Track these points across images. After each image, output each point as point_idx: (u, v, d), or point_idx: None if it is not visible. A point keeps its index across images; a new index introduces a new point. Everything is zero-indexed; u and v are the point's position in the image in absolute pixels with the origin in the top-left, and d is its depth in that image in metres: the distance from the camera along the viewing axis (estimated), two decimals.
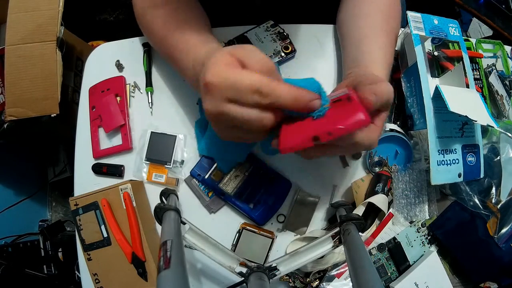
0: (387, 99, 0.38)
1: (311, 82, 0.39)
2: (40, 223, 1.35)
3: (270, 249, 0.57)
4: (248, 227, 0.57)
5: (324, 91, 0.38)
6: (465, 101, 0.53)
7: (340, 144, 0.38)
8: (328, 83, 0.63)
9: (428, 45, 0.58)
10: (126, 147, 0.60)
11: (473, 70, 0.62)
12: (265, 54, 0.57)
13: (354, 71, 0.51)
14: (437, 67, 0.57)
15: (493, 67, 0.66)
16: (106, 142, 0.61)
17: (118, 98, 0.61)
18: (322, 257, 0.53)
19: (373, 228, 0.57)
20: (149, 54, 0.63)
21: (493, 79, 0.65)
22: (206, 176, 0.57)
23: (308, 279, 0.56)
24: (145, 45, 0.63)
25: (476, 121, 0.50)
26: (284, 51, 0.61)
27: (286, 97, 0.33)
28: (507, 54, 0.69)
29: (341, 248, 0.49)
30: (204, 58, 0.41)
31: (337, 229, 0.48)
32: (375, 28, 0.53)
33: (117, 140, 0.61)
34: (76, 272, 1.10)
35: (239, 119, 0.34)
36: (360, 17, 0.55)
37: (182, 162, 0.59)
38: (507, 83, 0.67)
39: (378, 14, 0.54)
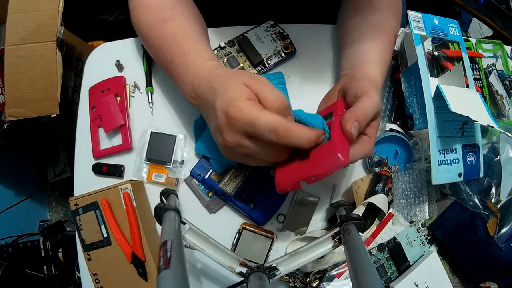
0: (371, 114, 0.40)
1: (316, 117, 0.43)
2: (40, 223, 1.35)
3: (270, 249, 0.57)
4: (248, 227, 0.57)
5: (326, 125, 0.41)
6: (466, 101, 0.53)
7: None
8: (328, 84, 0.63)
9: (428, 45, 0.58)
10: (126, 147, 0.60)
11: (473, 70, 0.62)
12: (266, 54, 0.57)
13: (347, 73, 0.52)
14: (437, 67, 0.57)
15: (493, 67, 0.66)
16: (106, 142, 0.61)
17: (118, 98, 0.61)
18: (322, 257, 0.53)
19: (373, 228, 0.57)
20: (149, 54, 0.63)
21: (493, 79, 0.65)
22: (206, 176, 0.57)
23: (308, 279, 0.56)
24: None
25: (476, 121, 0.50)
26: (284, 51, 0.61)
27: (303, 139, 0.36)
28: (507, 54, 0.69)
29: (341, 248, 0.49)
30: (207, 77, 0.43)
31: (337, 229, 0.48)
32: (374, 28, 0.53)
33: (117, 140, 0.61)
34: (76, 272, 1.10)
35: (256, 152, 0.38)
36: (359, 17, 0.55)
37: (182, 162, 0.59)
38: (507, 83, 0.67)
39: (378, 14, 0.54)
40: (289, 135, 0.35)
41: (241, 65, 0.61)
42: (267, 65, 0.60)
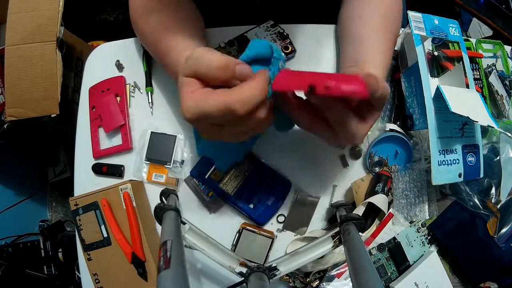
0: (381, 93, 0.37)
1: (260, 44, 0.40)
2: (40, 223, 1.35)
3: (270, 249, 0.57)
4: (248, 227, 0.57)
5: (276, 47, 0.39)
6: (466, 101, 0.53)
7: (330, 114, 0.37)
8: None
9: (428, 45, 0.58)
10: (126, 147, 0.60)
11: (473, 70, 0.62)
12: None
13: (350, 70, 0.51)
14: (437, 67, 0.57)
15: (493, 67, 0.66)
16: (106, 142, 0.61)
17: (118, 98, 0.61)
18: (322, 257, 0.53)
19: (373, 228, 0.57)
20: (149, 54, 0.63)
21: (493, 79, 0.65)
22: (206, 176, 0.57)
23: (308, 279, 0.56)
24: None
25: (476, 121, 0.50)
26: (284, 51, 0.61)
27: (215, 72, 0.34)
28: (507, 54, 0.69)
29: (341, 248, 0.49)
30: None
31: (337, 229, 0.48)
32: (375, 29, 0.53)
33: (117, 140, 0.61)
34: (76, 272, 1.10)
35: (230, 128, 0.36)
36: (360, 17, 0.55)
37: (182, 162, 0.59)
38: (507, 83, 0.67)
39: (378, 14, 0.54)
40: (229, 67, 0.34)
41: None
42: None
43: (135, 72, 0.63)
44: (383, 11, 0.54)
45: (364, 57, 0.51)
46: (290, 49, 0.61)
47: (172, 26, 0.51)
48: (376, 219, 0.57)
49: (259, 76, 0.35)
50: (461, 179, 0.55)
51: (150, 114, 0.62)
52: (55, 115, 0.92)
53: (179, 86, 0.37)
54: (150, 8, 0.52)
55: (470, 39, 0.66)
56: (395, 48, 0.62)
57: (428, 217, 0.60)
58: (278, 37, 0.62)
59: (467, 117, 0.49)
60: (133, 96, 0.62)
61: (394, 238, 0.60)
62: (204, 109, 0.33)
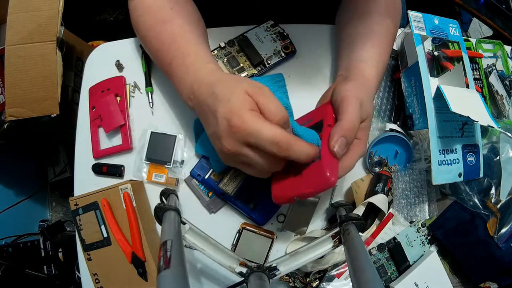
0: (356, 124, 0.40)
1: (311, 133, 0.43)
2: (40, 223, 1.34)
3: (270, 249, 0.57)
4: (248, 227, 0.57)
5: (320, 141, 0.43)
6: (466, 101, 0.53)
7: None
8: (328, 84, 0.63)
9: (428, 45, 0.58)
10: (126, 147, 0.60)
11: (473, 70, 0.62)
12: (266, 54, 0.57)
13: (341, 74, 0.52)
14: (437, 67, 0.57)
15: (493, 67, 0.66)
16: (106, 142, 0.61)
17: (118, 98, 0.61)
18: (322, 257, 0.53)
19: (373, 228, 0.57)
20: (147, 54, 0.63)
21: (493, 79, 0.65)
22: (206, 176, 0.57)
23: (308, 279, 0.56)
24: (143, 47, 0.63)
25: (477, 121, 0.50)
26: (284, 51, 0.61)
27: (302, 155, 0.37)
28: (507, 54, 0.69)
29: (341, 248, 0.49)
30: (207, 81, 0.42)
31: (337, 229, 0.48)
32: (371, 28, 0.53)
33: (117, 140, 0.61)
34: (76, 272, 1.10)
35: (255, 162, 0.39)
36: (357, 17, 0.55)
37: (182, 162, 0.59)
38: (507, 83, 0.67)
39: (376, 13, 0.54)
40: (290, 149, 0.36)
41: (241, 65, 0.61)
42: (267, 65, 0.60)
43: (135, 72, 0.63)
44: (380, 10, 0.54)
45: (358, 56, 0.51)
46: (290, 49, 0.61)
47: (184, 33, 0.50)
48: (376, 219, 0.57)
49: (316, 150, 0.39)
50: (461, 179, 0.55)
51: (150, 114, 0.62)
52: (55, 115, 0.92)
53: (232, 96, 0.37)
54: (161, 19, 0.51)
55: (470, 39, 0.66)
56: (395, 48, 0.62)
57: (428, 217, 0.60)
58: (278, 37, 0.62)
59: (467, 117, 0.49)
60: (133, 96, 0.62)
61: (394, 238, 0.60)
62: (260, 129, 0.36)
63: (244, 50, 0.61)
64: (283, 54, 0.61)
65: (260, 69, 0.60)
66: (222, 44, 0.62)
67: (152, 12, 0.52)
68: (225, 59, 0.61)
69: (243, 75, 0.60)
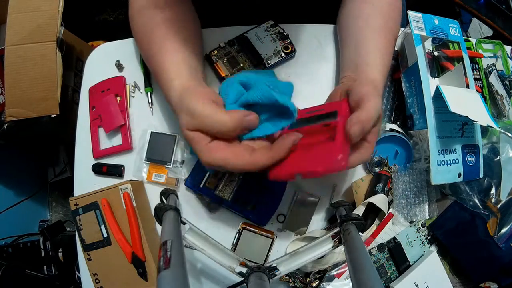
0: (375, 119, 0.41)
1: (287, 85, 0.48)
2: (40, 224, 1.35)
3: (270, 249, 0.57)
4: (248, 227, 0.57)
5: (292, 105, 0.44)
6: (466, 101, 0.53)
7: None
8: (328, 83, 0.63)
9: (428, 45, 0.58)
10: (126, 147, 0.60)
11: (473, 70, 0.62)
12: (266, 54, 0.57)
13: (349, 76, 0.52)
14: (437, 67, 0.57)
15: (493, 67, 0.66)
16: (106, 142, 0.61)
17: (118, 98, 0.61)
18: (322, 257, 0.53)
19: (373, 228, 0.57)
20: None
21: (493, 79, 0.65)
22: (201, 185, 0.56)
23: (308, 279, 0.56)
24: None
25: (476, 121, 0.50)
26: (284, 51, 0.61)
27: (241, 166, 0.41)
28: (507, 54, 0.69)
29: (341, 248, 0.49)
30: (172, 101, 0.47)
31: (337, 229, 0.48)
32: (374, 30, 0.53)
33: (117, 140, 0.61)
34: (76, 272, 1.10)
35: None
36: (359, 18, 0.55)
37: (182, 162, 0.59)
38: (507, 83, 0.67)
39: (378, 15, 0.54)
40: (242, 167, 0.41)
41: (241, 64, 0.61)
42: (267, 65, 0.60)
43: (135, 72, 0.63)
44: (382, 11, 0.54)
45: (364, 60, 0.51)
46: (290, 49, 0.61)
47: (169, 28, 0.51)
48: (376, 219, 0.57)
49: (279, 149, 0.42)
50: (461, 179, 0.55)
51: (150, 114, 0.62)
52: (55, 115, 0.92)
53: (189, 139, 0.42)
54: (150, 26, 0.52)
55: (470, 39, 0.66)
56: (395, 48, 0.62)
57: (428, 217, 0.60)
58: (278, 37, 0.62)
59: (467, 117, 0.49)
60: (133, 96, 0.62)
61: (394, 238, 0.60)
62: (232, 165, 0.40)
63: (244, 50, 0.61)
64: (283, 54, 0.61)
65: (260, 69, 0.61)
66: (222, 44, 0.62)
67: (142, 22, 0.53)
68: (225, 59, 0.61)
69: None
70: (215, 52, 0.61)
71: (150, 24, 0.52)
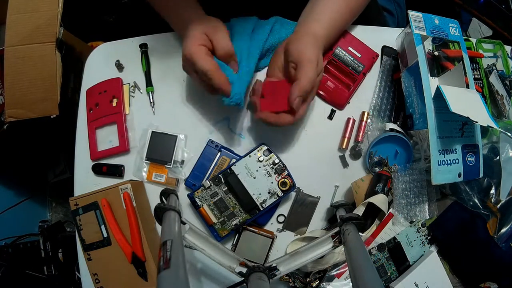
0: (310, 84, 0.48)
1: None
2: (40, 224, 1.34)
3: (270, 249, 0.57)
4: (248, 227, 0.57)
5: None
6: (466, 101, 0.53)
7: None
8: None
9: (428, 45, 0.58)
10: (123, 149, 0.60)
11: (473, 70, 0.62)
12: (260, 194, 0.57)
13: (298, 29, 0.56)
14: (437, 67, 0.57)
15: (493, 67, 0.66)
16: (103, 144, 0.61)
17: (115, 100, 0.61)
18: (322, 257, 0.53)
19: (373, 228, 0.57)
20: (147, 54, 0.63)
21: (493, 79, 0.65)
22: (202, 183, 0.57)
23: (308, 279, 0.56)
24: (142, 46, 0.63)
25: (476, 122, 0.50)
26: (281, 188, 0.56)
27: (217, 85, 0.50)
28: (507, 54, 0.69)
29: (341, 248, 0.50)
30: (185, 22, 0.54)
31: (337, 229, 0.48)
32: None
33: (115, 142, 0.61)
34: (76, 272, 1.10)
35: (197, 80, 0.53)
36: None
37: (183, 162, 0.59)
38: (507, 83, 0.67)
39: None
40: (212, 79, 0.49)
41: (230, 209, 0.56)
42: (262, 208, 0.55)
43: (135, 72, 0.63)
44: None
45: (314, 16, 0.55)
46: (288, 185, 0.55)
47: None
48: (376, 219, 0.57)
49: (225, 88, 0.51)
50: (461, 179, 0.55)
51: (151, 114, 0.62)
52: (54, 115, 0.92)
53: (190, 31, 0.51)
54: None
55: (470, 39, 0.66)
56: (395, 48, 0.62)
57: (428, 217, 0.60)
58: (273, 170, 0.55)
59: (467, 117, 0.49)
60: (133, 96, 0.62)
61: (394, 238, 0.60)
62: (197, 61, 0.49)
63: (233, 190, 0.55)
64: (280, 194, 0.55)
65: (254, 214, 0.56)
66: (207, 184, 0.56)
67: None
68: (211, 202, 0.56)
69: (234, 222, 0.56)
70: (199, 192, 0.56)
71: None
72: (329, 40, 0.57)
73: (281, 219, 0.59)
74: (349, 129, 0.60)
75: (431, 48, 0.58)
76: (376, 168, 0.59)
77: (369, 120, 0.60)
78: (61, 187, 1.43)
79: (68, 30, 1.00)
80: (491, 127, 0.50)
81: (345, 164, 0.60)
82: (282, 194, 0.55)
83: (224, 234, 0.56)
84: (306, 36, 0.52)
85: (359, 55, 0.60)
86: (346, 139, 0.59)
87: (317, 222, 0.60)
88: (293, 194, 0.59)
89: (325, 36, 0.55)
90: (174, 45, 0.63)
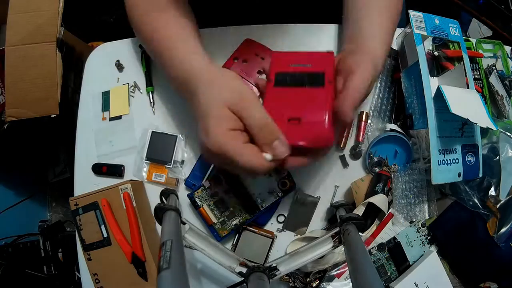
0: (363, 94, 0.42)
1: None
2: (40, 224, 1.34)
3: (270, 249, 0.57)
4: (248, 227, 0.57)
5: None
6: (466, 102, 0.53)
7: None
8: None
9: (428, 45, 0.58)
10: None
11: (473, 70, 0.62)
12: (260, 194, 0.55)
13: (347, 47, 0.51)
14: (437, 67, 0.57)
15: (493, 67, 0.66)
16: (103, 144, 0.61)
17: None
18: (322, 257, 0.53)
19: (373, 228, 0.57)
20: (147, 54, 0.63)
21: (493, 79, 0.65)
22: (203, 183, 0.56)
23: (308, 279, 0.56)
24: (142, 46, 0.63)
25: (476, 123, 0.50)
26: (282, 188, 0.55)
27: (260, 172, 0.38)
28: (507, 54, 0.69)
29: (341, 248, 0.49)
30: (195, 75, 0.43)
31: (337, 229, 0.48)
32: (377, 7, 0.52)
33: (115, 142, 0.60)
34: (76, 272, 1.10)
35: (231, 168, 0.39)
36: None
37: (183, 162, 0.59)
38: (507, 83, 0.67)
39: None
40: (255, 172, 0.38)
41: (231, 209, 0.55)
42: (262, 208, 0.55)
43: (135, 72, 0.63)
44: None
45: (365, 32, 0.51)
46: (288, 185, 0.55)
47: (175, 23, 0.50)
48: (376, 219, 0.57)
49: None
50: (461, 178, 0.55)
51: (150, 114, 0.62)
52: (55, 115, 0.92)
53: (211, 114, 0.38)
54: (159, 5, 0.51)
55: (470, 39, 0.66)
56: (395, 48, 0.62)
57: (428, 217, 0.60)
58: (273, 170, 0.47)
59: (467, 118, 0.49)
60: (133, 96, 0.62)
61: (394, 238, 0.60)
62: (234, 157, 0.36)
63: (233, 189, 0.55)
64: (280, 194, 0.55)
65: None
66: (207, 184, 0.55)
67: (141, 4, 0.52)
68: (212, 202, 0.55)
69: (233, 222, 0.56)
70: (199, 192, 0.56)
71: (156, 24, 0.51)
72: (386, 53, 0.51)
73: (281, 219, 0.59)
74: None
75: (431, 48, 0.58)
76: (376, 168, 0.59)
77: (369, 121, 0.60)
78: (61, 187, 1.43)
79: (69, 30, 1.01)
80: (491, 129, 0.50)
81: (345, 164, 0.60)
82: (282, 194, 0.55)
83: (224, 234, 0.56)
84: (364, 54, 0.46)
85: (309, 65, 0.45)
86: (346, 139, 0.60)
87: (317, 222, 0.60)
88: (293, 194, 0.59)
89: (382, 47, 0.49)
90: None
